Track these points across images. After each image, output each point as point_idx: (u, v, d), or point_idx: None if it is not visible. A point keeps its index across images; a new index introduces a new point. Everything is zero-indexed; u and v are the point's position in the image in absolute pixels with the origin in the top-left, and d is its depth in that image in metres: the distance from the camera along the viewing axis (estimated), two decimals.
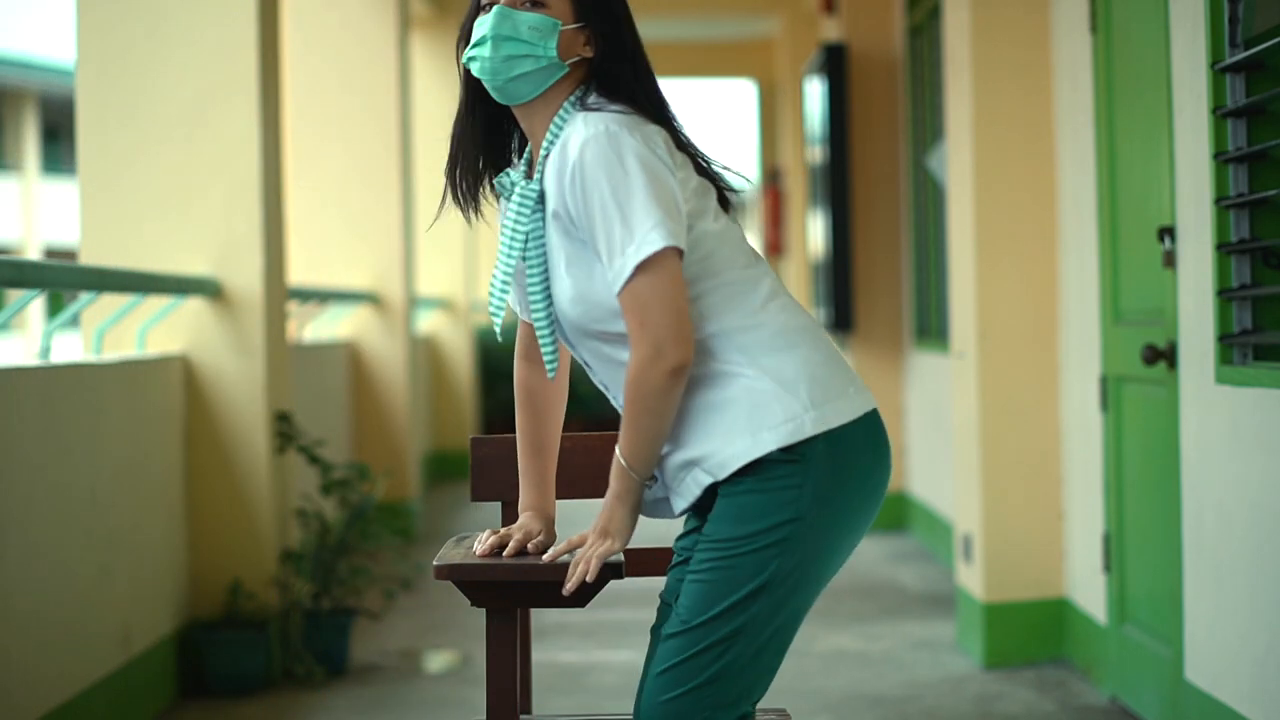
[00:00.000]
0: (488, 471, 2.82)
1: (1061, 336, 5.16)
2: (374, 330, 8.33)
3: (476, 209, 2.47)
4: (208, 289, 5.05)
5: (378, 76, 8.35)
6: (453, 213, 2.56)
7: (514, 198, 2.34)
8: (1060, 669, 5.05)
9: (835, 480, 2.27)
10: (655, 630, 2.39)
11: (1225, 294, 3.59)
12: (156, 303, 5.12)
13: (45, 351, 4.35)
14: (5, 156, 29.82)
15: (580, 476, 2.73)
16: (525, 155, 2.44)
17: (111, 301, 5.06)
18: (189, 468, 5.07)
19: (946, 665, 5.18)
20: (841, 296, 8.29)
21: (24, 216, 29.56)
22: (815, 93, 8.72)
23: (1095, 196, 4.72)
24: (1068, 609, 5.13)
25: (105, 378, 4.43)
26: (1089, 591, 4.91)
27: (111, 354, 4.96)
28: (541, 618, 5.48)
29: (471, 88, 2.42)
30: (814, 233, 9.29)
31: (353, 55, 8.35)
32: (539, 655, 4.89)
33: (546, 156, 2.33)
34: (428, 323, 11.08)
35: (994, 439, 5.18)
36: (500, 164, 2.46)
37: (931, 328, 7.53)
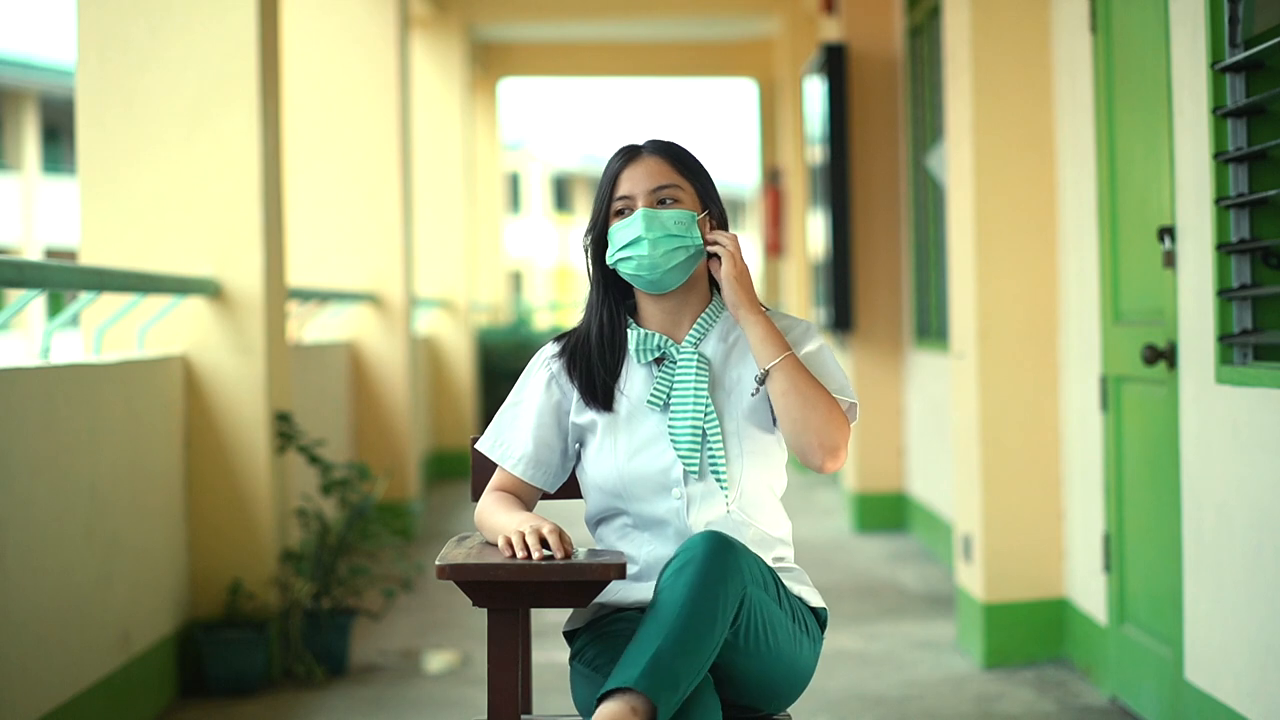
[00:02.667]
0: (488, 472, 2.83)
1: (1061, 336, 5.16)
2: (374, 330, 8.33)
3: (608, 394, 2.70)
4: (208, 289, 5.05)
5: (378, 77, 8.34)
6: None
7: (689, 362, 2.65)
8: (1060, 669, 5.05)
9: None
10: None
11: (1225, 294, 3.59)
12: (156, 303, 5.12)
13: (45, 351, 4.35)
14: (5, 156, 29.83)
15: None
16: (636, 330, 2.70)
17: (111, 301, 5.06)
18: (189, 467, 5.07)
19: (946, 665, 5.18)
20: (841, 296, 8.29)
21: (24, 216, 29.56)
22: (815, 93, 8.72)
23: (1095, 196, 4.72)
24: (1068, 609, 5.13)
25: (105, 378, 4.43)
26: (1089, 591, 4.91)
27: (111, 354, 4.96)
28: (541, 618, 5.48)
29: (605, 288, 2.73)
30: (814, 233, 9.30)
31: (353, 55, 8.35)
32: (539, 655, 4.89)
33: (704, 332, 2.70)
34: (428, 323, 11.08)
35: (994, 439, 5.18)
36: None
37: (931, 328, 7.53)
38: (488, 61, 13.70)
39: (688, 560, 2.42)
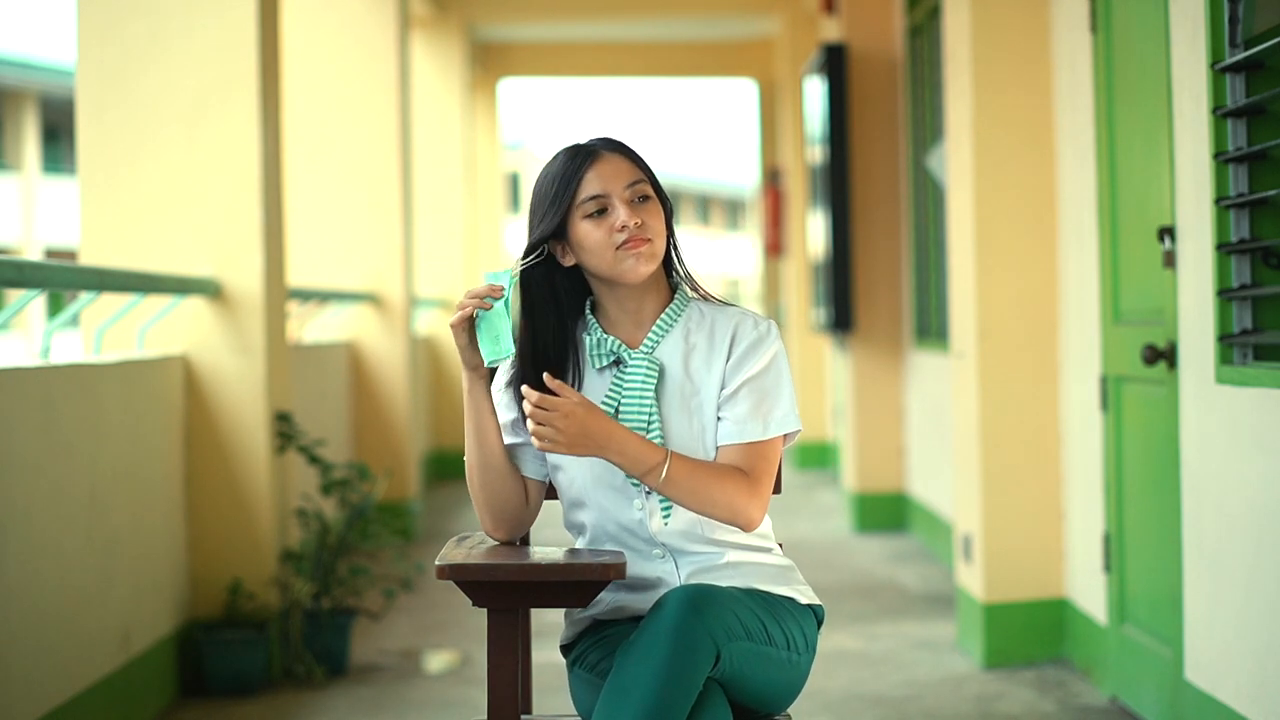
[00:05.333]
0: None
1: (1061, 336, 5.16)
2: (374, 330, 8.33)
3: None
4: (208, 289, 5.05)
5: (378, 76, 8.35)
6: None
7: (639, 368, 2.60)
8: (1060, 669, 5.05)
9: None
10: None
11: (1225, 294, 3.59)
12: (156, 303, 5.12)
13: (45, 351, 4.35)
14: (5, 156, 29.83)
15: None
16: (595, 329, 2.65)
17: (111, 301, 5.06)
18: (189, 468, 5.07)
19: (946, 665, 5.18)
20: (841, 296, 8.29)
21: (24, 216, 29.56)
22: (815, 93, 8.72)
23: (1095, 196, 4.72)
24: (1068, 609, 5.13)
25: (105, 378, 4.43)
26: (1089, 591, 4.91)
27: (111, 354, 4.96)
28: (541, 618, 5.48)
29: (548, 274, 2.64)
30: (814, 233, 9.29)
31: (353, 55, 8.35)
32: (539, 655, 4.88)
33: (665, 333, 2.64)
34: (428, 323, 11.08)
35: (994, 439, 5.18)
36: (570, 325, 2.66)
37: (931, 328, 7.53)
38: (488, 61, 13.69)
39: (654, 640, 2.36)
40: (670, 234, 2.68)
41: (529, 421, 2.45)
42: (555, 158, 2.66)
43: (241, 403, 5.09)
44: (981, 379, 5.19)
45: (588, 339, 2.63)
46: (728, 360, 2.62)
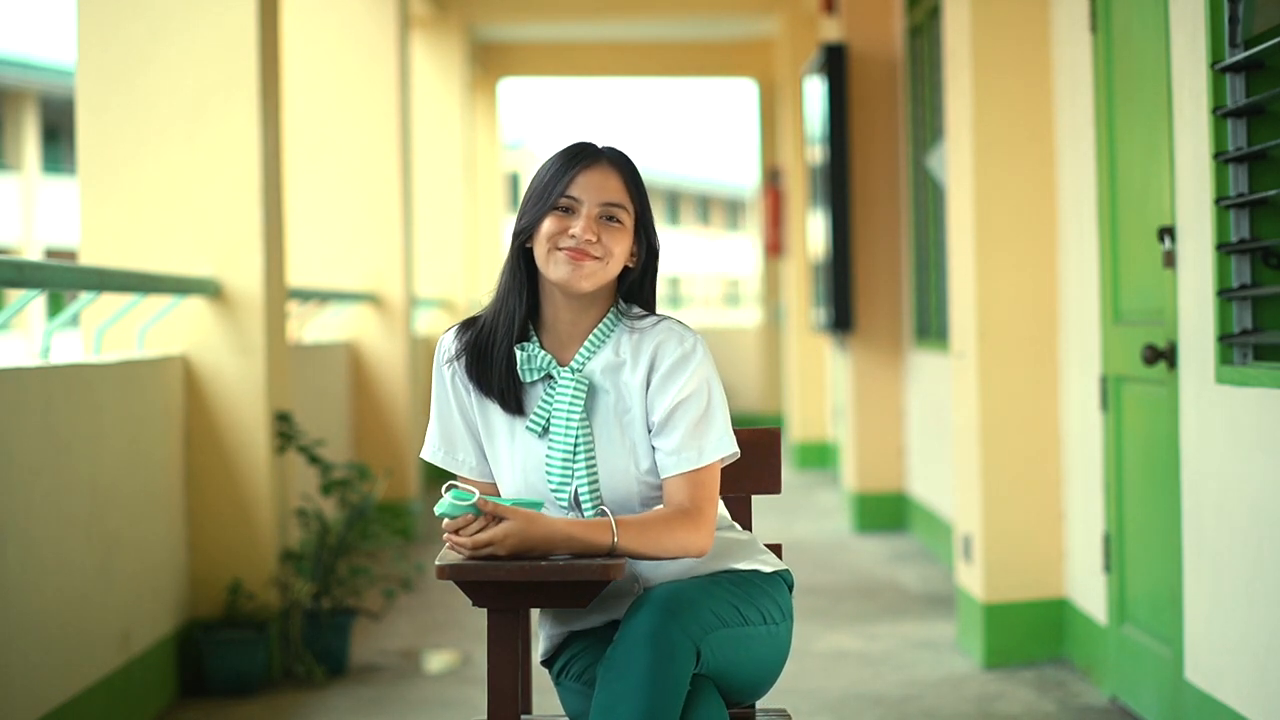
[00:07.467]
0: None
1: (1061, 336, 5.16)
2: (374, 330, 8.33)
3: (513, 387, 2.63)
4: (208, 289, 5.05)
5: (378, 76, 8.35)
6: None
7: (567, 386, 2.58)
8: (1060, 669, 5.06)
9: None
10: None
11: (1225, 294, 3.59)
12: (156, 303, 5.12)
13: (45, 351, 4.35)
14: (5, 156, 29.83)
15: None
16: (534, 342, 2.63)
17: (111, 301, 5.06)
18: (189, 468, 5.07)
19: (946, 665, 5.18)
20: (841, 296, 8.30)
21: (24, 216, 29.57)
22: (815, 93, 8.72)
23: (1095, 196, 4.72)
24: (1068, 609, 5.13)
25: (105, 378, 4.43)
26: (1089, 591, 4.91)
27: (111, 354, 4.96)
28: None
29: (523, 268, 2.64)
30: (814, 233, 9.30)
31: (353, 55, 8.35)
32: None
33: (595, 350, 2.62)
34: (428, 323, 11.08)
35: (994, 439, 5.18)
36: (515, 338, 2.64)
37: (931, 328, 7.53)
38: (488, 61, 13.70)
39: (632, 651, 2.36)
40: (644, 271, 2.66)
41: (465, 549, 2.44)
42: (559, 151, 2.65)
43: (241, 403, 5.09)
44: (981, 379, 5.19)
45: (520, 353, 2.60)
46: (650, 378, 2.60)
